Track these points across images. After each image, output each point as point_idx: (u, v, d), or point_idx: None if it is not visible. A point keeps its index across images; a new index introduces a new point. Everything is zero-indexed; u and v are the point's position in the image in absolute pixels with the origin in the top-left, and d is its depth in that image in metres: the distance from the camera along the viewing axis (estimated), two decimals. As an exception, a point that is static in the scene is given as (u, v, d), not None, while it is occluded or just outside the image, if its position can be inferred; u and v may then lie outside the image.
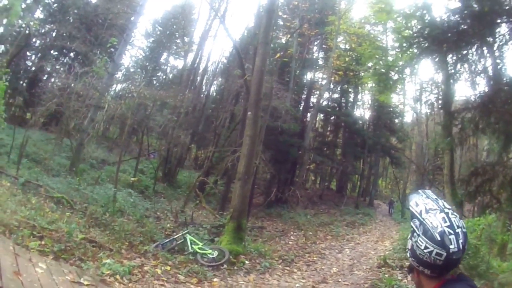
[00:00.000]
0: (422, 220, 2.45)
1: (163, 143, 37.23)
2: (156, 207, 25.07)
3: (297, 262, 18.90)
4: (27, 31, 30.69)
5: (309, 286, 14.54)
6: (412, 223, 2.54)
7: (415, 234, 2.48)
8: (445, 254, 2.32)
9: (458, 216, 2.44)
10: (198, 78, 46.70)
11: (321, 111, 52.22)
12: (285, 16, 46.48)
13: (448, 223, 2.37)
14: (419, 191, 2.69)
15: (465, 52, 17.70)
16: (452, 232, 2.34)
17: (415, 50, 19.41)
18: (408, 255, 2.61)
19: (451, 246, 2.31)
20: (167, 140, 35.33)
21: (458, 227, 2.37)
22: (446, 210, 2.45)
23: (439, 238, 2.33)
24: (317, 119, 56.06)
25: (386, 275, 16.17)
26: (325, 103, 53.46)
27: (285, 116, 34.37)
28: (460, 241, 2.34)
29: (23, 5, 28.09)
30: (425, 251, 2.38)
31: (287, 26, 46.02)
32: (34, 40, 38.30)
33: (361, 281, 15.93)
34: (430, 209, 2.48)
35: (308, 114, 48.68)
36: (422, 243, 2.40)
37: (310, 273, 17.21)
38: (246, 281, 14.00)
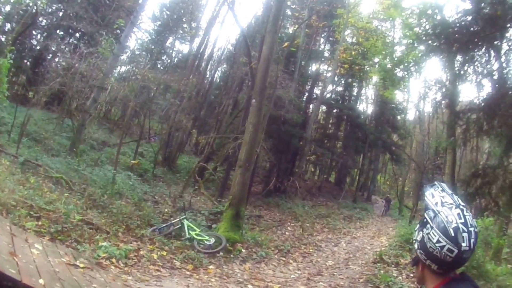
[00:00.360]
0: (437, 212, 2.42)
1: (165, 127, 37.30)
2: (155, 191, 25.05)
3: (293, 253, 18.94)
4: (34, 10, 30.64)
5: (304, 278, 14.52)
6: (426, 214, 2.51)
7: (428, 226, 2.44)
8: (456, 251, 2.30)
9: (471, 214, 2.42)
10: (203, 64, 46.64)
11: (324, 103, 52.08)
12: (294, 6, 46.52)
13: (463, 220, 2.34)
14: (435, 183, 2.66)
15: (473, 53, 17.71)
16: (465, 230, 2.31)
17: (424, 48, 19.41)
18: (416, 246, 2.56)
19: (463, 244, 2.29)
20: (169, 124, 35.34)
21: (472, 226, 2.34)
22: (461, 207, 2.41)
23: (453, 234, 2.31)
24: (320, 111, 56.07)
25: (382, 271, 16.17)
26: (328, 95, 53.30)
27: (289, 106, 34.34)
28: (472, 240, 2.31)
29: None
30: (436, 245, 2.34)
31: (295, 17, 46.07)
32: (40, 19, 38.25)
33: (356, 275, 15.91)
34: (446, 203, 2.45)
35: (311, 106, 48.76)
36: (435, 236, 2.36)
37: (306, 264, 17.25)
38: (241, 269, 14.05)
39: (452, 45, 16.50)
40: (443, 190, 2.54)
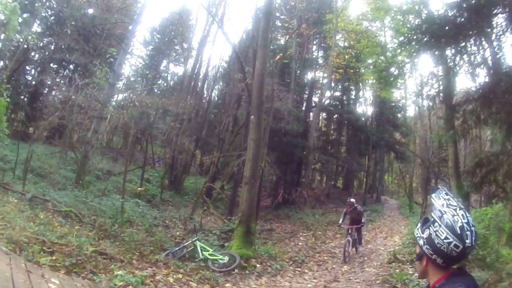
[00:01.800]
0: (444, 212, 2.72)
1: (168, 150, 37.17)
2: (164, 215, 25.11)
3: (307, 262, 19.03)
4: (25, 46, 30.78)
5: (321, 286, 14.57)
6: (433, 214, 2.79)
7: (436, 224, 2.72)
8: (461, 247, 2.59)
9: (471, 215, 2.67)
10: (199, 84, 46.66)
11: (323, 110, 52.23)
12: (282, 17, 46.61)
13: (466, 220, 2.64)
14: (439, 187, 2.96)
15: (463, 44, 17.76)
16: (469, 228, 2.62)
17: (414, 45, 19.51)
18: (422, 243, 2.82)
19: (467, 241, 2.60)
20: (172, 147, 35.33)
21: (473, 225, 2.65)
22: (464, 209, 2.74)
23: (459, 232, 2.60)
24: (320, 118, 56.11)
25: (397, 270, 16.23)
26: (327, 101, 53.26)
27: (288, 117, 34.32)
28: (473, 237, 2.61)
29: (20, 20, 28.14)
30: (444, 241, 2.63)
31: (285, 27, 46.18)
32: (33, 54, 38.41)
33: (372, 277, 15.99)
34: (451, 205, 2.76)
35: (311, 114, 48.79)
36: (443, 233, 2.65)
37: (322, 272, 17.31)
38: (258, 284, 14.16)
39: (440, 40, 16.56)
40: (447, 194, 2.86)
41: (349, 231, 20.23)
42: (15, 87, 36.45)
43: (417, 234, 2.93)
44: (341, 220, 21.55)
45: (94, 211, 19.04)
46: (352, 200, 21.89)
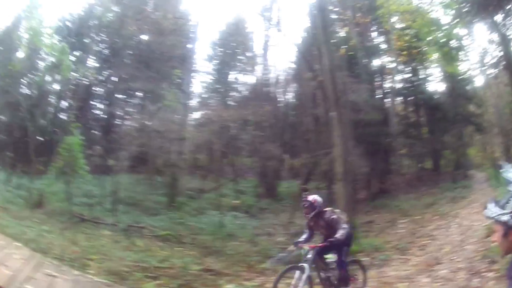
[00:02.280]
0: None
1: (256, 159, 37.81)
2: (265, 223, 25.26)
3: (410, 249, 18.83)
4: (85, 82, 31.56)
5: (426, 270, 14.56)
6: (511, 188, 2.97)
7: None
8: None
9: None
10: (272, 89, 46.86)
11: (397, 94, 51.42)
12: (337, 9, 46.58)
13: None
14: (501, 164, 3.23)
15: (509, 7, 17.74)
16: None
17: (466, 17, 19.51)
18: (507, 218, 2.93)
19: None
20: (259, 156, 35.82)
21: None
22: None
23: None
24: (397, 103, 55.60)
25: (495, 244, 16.11)
26: (399, 85, 52.79)
27: (365, 108, 34.29)
28: None
29: (73, 58, 28.86)
30: None
31: (341, 19, 46.14)
32: (96, 89, 39.14)
33: (472, 255, 15.51)
34: None
35: (387, 101, 48.56)
36: None
37: (425, 257, 17.08)
38: (367, 278, 14.26)
39: (487, 8, 16.58)
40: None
41: (307, 255, 10.38)
42: (85, 124, 37.37)
43: (494, 214, 3.03)
44: (303, 236, 11.43)
45: (192, 230, 19.56)
46: (311, 197, 11.21)
